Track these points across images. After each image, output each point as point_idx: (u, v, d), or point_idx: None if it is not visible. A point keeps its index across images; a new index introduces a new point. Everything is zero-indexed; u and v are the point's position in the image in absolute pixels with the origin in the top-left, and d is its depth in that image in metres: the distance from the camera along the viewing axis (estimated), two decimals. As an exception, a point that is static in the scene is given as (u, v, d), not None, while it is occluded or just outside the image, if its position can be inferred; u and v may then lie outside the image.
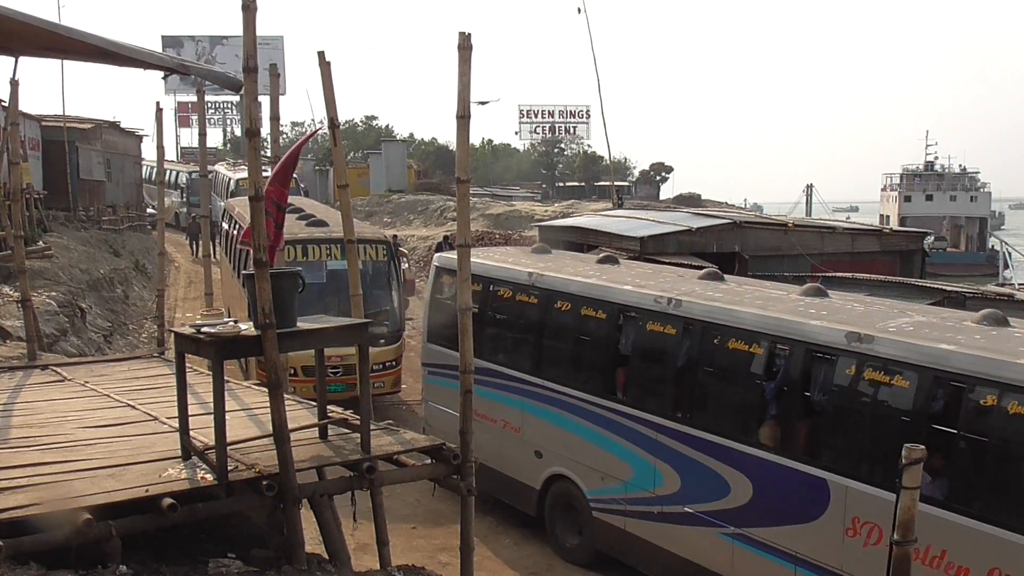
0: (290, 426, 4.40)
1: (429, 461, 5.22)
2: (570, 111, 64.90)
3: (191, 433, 4.67)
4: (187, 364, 4.94)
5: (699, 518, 8.14)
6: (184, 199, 38.89)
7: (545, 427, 9.75)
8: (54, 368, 7.42)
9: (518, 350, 10.27)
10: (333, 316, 12.11)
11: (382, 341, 13.53)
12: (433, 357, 11.31)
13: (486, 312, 10.47)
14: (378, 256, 14.01)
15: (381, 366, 13.35)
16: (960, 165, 70.09)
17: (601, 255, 11.15)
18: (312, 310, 11.56)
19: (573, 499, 9.53)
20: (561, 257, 11.79)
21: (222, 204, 25.79)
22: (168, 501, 4.04)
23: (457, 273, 5.32)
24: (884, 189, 71.69)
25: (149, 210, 35.62)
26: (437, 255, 12.42)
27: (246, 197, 4.59)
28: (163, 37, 60.89)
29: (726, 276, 10.16)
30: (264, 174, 4.80)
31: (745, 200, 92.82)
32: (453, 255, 11.34)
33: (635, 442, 8.73)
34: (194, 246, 30.22)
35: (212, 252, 9.69)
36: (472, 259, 9.67)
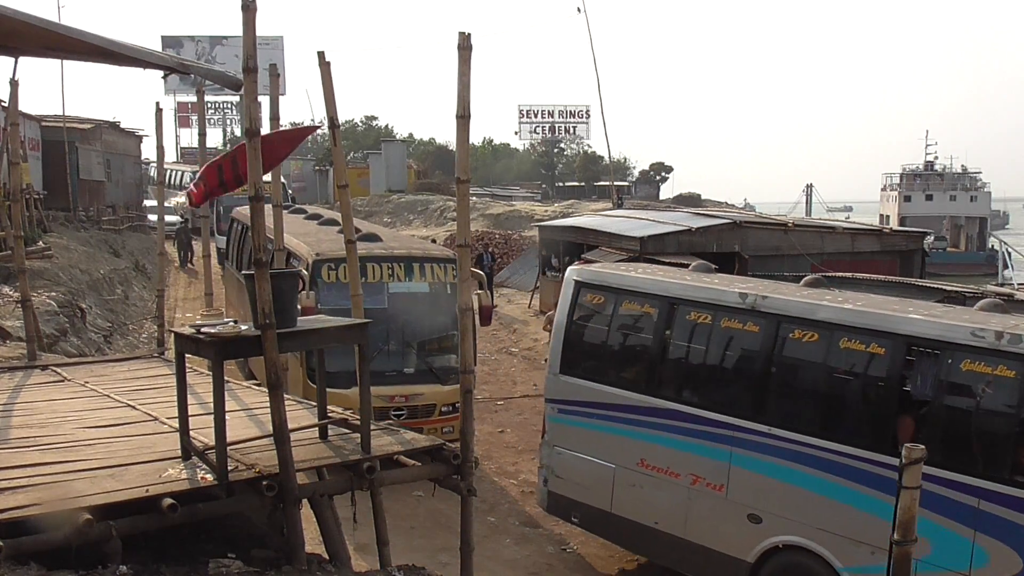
0: (290, 426, 4.40)
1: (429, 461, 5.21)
2: (570, 111, 64.97)
3: (191, 433, 4.67)
4: (187, 364, 4.94)
5: None
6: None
7: (769, 485, 7.73)
8: (54, 368, 7.41)
9: (724, 388, 8.35)
10: (402, 352, 11.28)
11: (452, 378, 11.31)
12: (567, 392, 9.31)
13: (665, 340, 8.65)
14: (446, 277, 11.73)
15: (451, 408, 11.20)
16: (962, 165, 70.16)
17: (807, 278, 9.12)
18: (371, 343, 10.94)
19: None
20: (736, 278, 10.04)
21: (220, 209, 25.78)
22: (168, 501, 4.04)
23: (458, 272, 5.31)
24: (884, 189, 71.72)
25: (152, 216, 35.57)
26: (575, 269, 10.05)
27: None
28: (163, 37, 61.00)
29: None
30: (265, 179, 4.78)
31: (745, 200, 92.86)
32: (601, 268, 10.05)
33: (938, 510, 6.70)
34: (182, 255, 29.14)
35: (209, 263, 9.40)
36: (642, 275, 9.18)
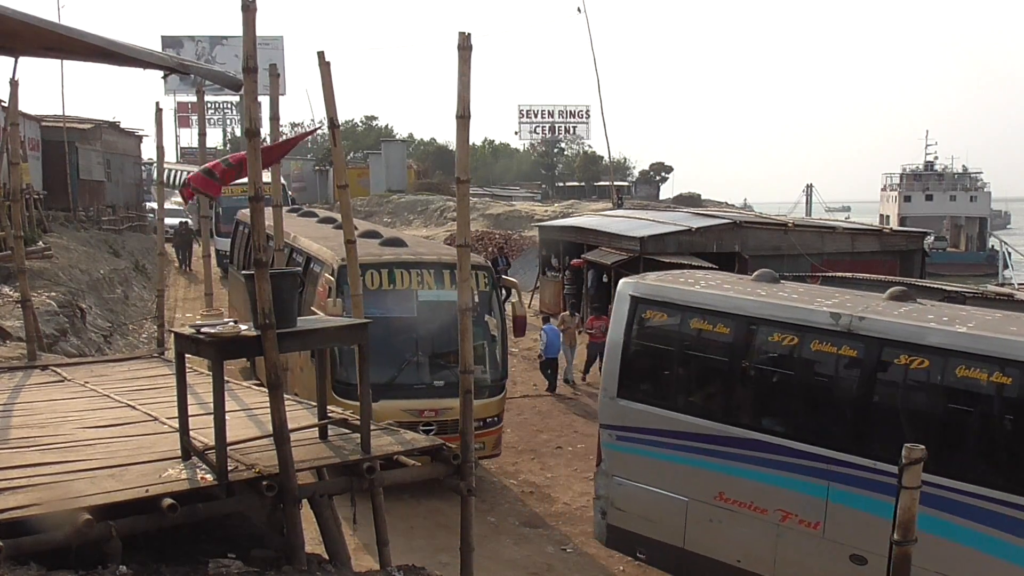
0: (290, 426, 4.40)
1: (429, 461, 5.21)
2: (570, 111, 65.00)
3: (191, 433, 4.67)
4: (187, 364, 4.93)
5: None
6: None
7: (876, 523, 6.81)
8: (54, 368, 7.41)
9: (818, 418, 7.67)
10: (431, 363, 10.75)
11: (484, 392, 10.81)
12: (627, 417, 8.52)
13: (744, 363, 8.04)
14: (478, 285, 11.05)
15: (481, 423, 10.80)
16: (963, 165, 70.24)
17: (892, 290, 8.42)
18: (399, 354, 10.60)
19: None
20: (809, 288, 9.30)
21: (220, 210, 25.72)
22: (168, 501, 4.03)
23: (458, 272, 5.29)
24: (884, 189, 71.79)
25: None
26: (630, 283, 8.99)
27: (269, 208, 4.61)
28: (163, 37, 61.03)
29: None
30: (265, 180, 4.78)
31: (744, 200, 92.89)
32: (661, 282, 8.99)
33: None
34: (181, 257, 29.17)
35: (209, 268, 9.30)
36: (710, 290, 8.31)
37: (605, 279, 21.36)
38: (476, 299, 10.99)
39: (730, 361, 8.06)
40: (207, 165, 5.94)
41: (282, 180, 30.32)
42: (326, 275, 10.98)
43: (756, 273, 9.39)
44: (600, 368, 17.28)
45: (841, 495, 7.21)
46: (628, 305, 8.69)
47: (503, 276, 13.00)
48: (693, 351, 8.54)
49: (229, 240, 23.77)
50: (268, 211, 4.99)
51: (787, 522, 7.54)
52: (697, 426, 8.09)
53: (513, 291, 12.48)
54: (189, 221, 30.31)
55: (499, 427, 11.51)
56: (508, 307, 12.32)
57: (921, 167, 69.64)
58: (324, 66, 6.03)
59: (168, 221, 29.72)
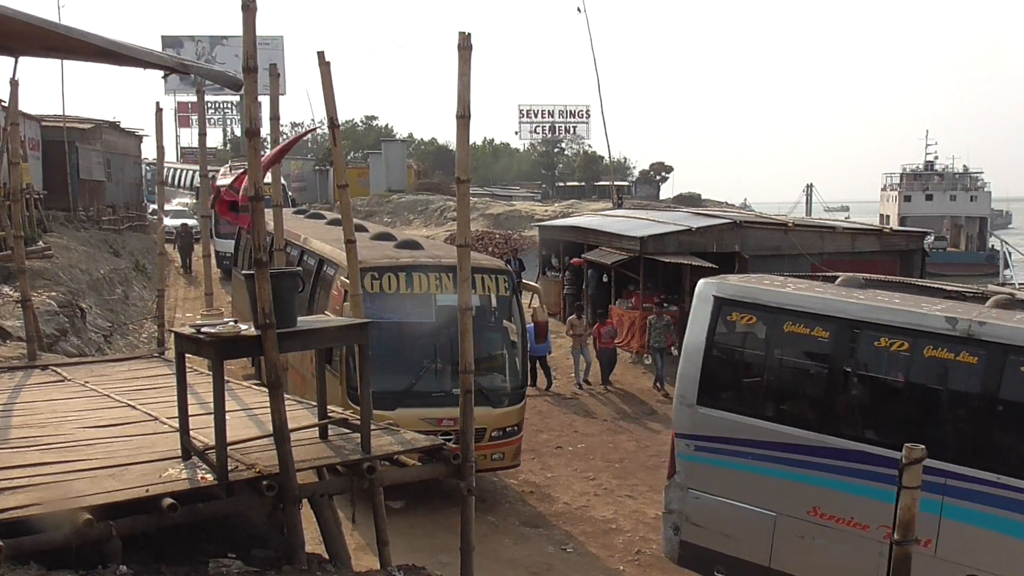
0: (290, 426, 4.40)
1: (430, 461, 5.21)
2: (570, 111, 64.95)
3: (191, 433, 4.67)
4: (187, 364, 4.94)
5: None
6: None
7: (997, 541, 6.67)
8: (54, 368, 7.41)
9: (931, 428, 7.26)
10: (450, 370, 10.07)
11: (503, 400, 10.69)
12: (707, 426, 8.01)
13: (845, 369, 7.63)
14: (498, 290, 10.78)
15: (501, 432, 10.61)
16: (964, 165, 70.23)
17: (997, 297, 7.99)
18: (417, 360, 10.17)
19: None
20: (905, 294, 8.58)
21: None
22: (168, 501, 4.03)
23: (458, 273, 5.29)
24: (884, 189, 71.81)
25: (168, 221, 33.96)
26: (712, 283, 8.47)
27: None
28: (163, 37, 61.05)
29: None
30: (266, 181, 4.79)
31: (744, 200, 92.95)
32: (747, 283, 8.50)
33: None
34: (184, 260, 28.75)
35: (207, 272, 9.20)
36: (805, 292, 7.74)
37: (605, 279, 21.36)
38: (495, 304, 10.83)
39: (829, 367, 7.62)
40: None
41: (282, 180, 29.86)
42: (341, 278, 10.52)
43: (842, 278, 8.86)
44: (602, 371, 17.39)
45: (956, 511, 6.76)
46: (711, 307, 8.08)
47: (528, 282, 12.50)
48: (786, 356, 8.08)
49: (228, 241, 23.73)
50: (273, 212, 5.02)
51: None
52: (789, 436, 7.54)
53: (535, 296, 12.05)
54: (188, 222, 30.19)
55: (519, 437, 11.07)
56: (532, 312, 11.94)
57: (921, 167, 69.66)
58: (324, 66, 6.03)
59: (170, 222, 29.68)
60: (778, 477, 7.62)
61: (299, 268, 11.74)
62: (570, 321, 18.02)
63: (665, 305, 18.38)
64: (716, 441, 7.96)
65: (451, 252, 11.85)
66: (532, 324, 12.53)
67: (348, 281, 10.20)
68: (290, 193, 29.95)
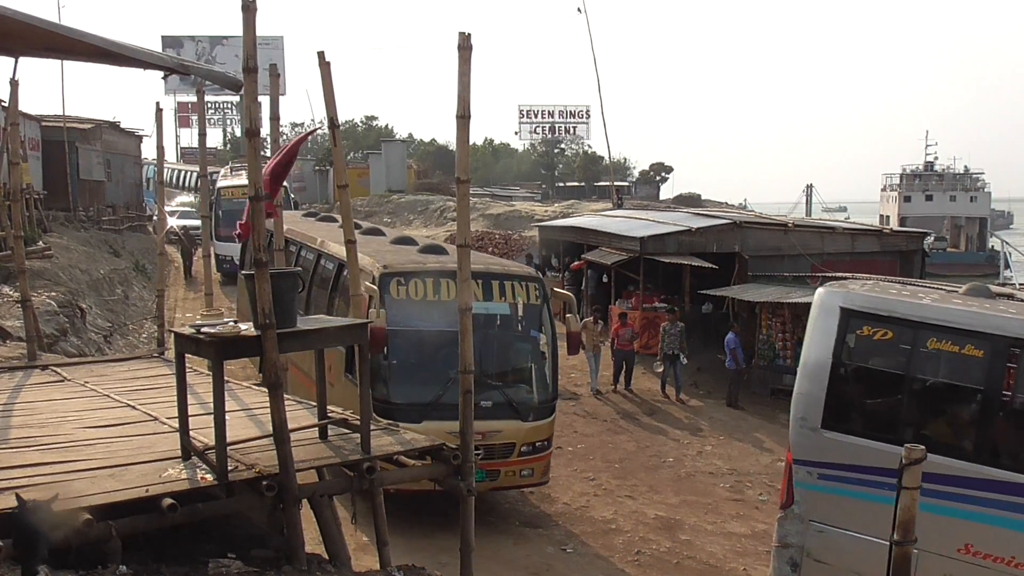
0: (290, 426, 4.40)
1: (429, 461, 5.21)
2: (570, 111, 64.96)
3: (191, 433, 4.67)
4: (187, 364, 4.94)
5: None
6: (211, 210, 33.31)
7: None
8: (54, 368, 7.41)
9: None
10: (478, 381, 10.17)
11: (533, 414, 10.18)
12: (834, 453, 7.18)
13: (1009, 394, 6.98)
14: (529, 298, 10.25)
15: (530, 447, 10.13)
16: (965, 166, 70.28)
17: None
18: (443, 371, 9.37)
19: None
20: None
21: (220, 212, 25.30)
22: (168, 501, 4.04)
23: (458, 272, 5.29)
24: (884, 189, 71.84)
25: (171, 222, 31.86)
26: (837, 292, 7.63)
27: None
28: (163, 37, 61.08)
29: None
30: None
31: (744, 200, 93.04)
32: (877, 293, 7.72)
33: None
34: (187, 264, 27.74)
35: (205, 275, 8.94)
36: (950, 305, 6.87)
37: (605, 279, 21.38)
38: (525, 312, 10.31)
39: (985, 390, 6.89)
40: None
41: (284, 182, 29.44)
42: (366, 283, 9.92)
43: (967, 287, 8.16)
44: (623, 374, 17.01)
45: None
46: (837, 319, 7.24)
47: (558, 290, 11.47)
48: (932, 376, 7.33)
49: (228, 244, 23.42)
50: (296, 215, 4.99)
51: None
52: (935, 465, 6.51)
53: (568, 305, 11.27)
54: (189, 224, 29.51)
55: (548, 452, 10.55)
56: (565, 322, 11.23)
57: (921, 167, 69.69)
58: (324, 66, 6.03)
59: (175, 223, 29.18)
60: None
61: (299, 268, 11.68)
62: (585, 323, 17.92)
63: (675, 309, 18.24)
64: (845, 469, 7.10)
65: (480, 259, 11.37)
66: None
67: (374, 287, 9.55)
68: (292, 195, 29.30)
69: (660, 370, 17.31)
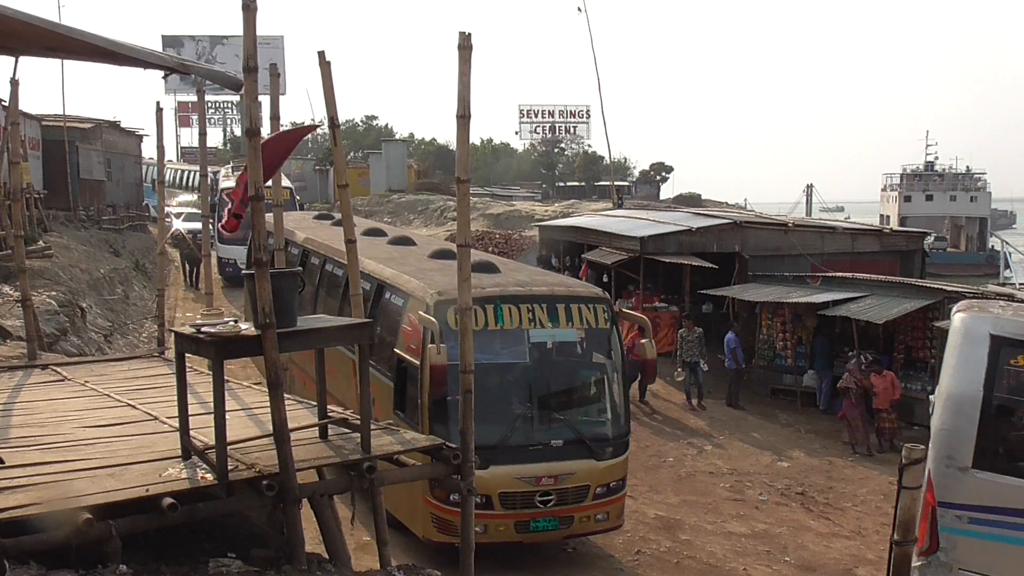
0: (290, 426, 4.40)
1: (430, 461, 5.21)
2: (570, 111, 64.99)
3: (191, 433, 4.67)
4: (187, 364, 4.94)
5: None
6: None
7: None
8: (54, 368, 7.41)
9: None
10: (548, 419, 8.71)
11: (608, 452, 9.10)
12: (989, 495, 6.45)
13: None
14: (597, 321, 9.22)
15: (605, 489, 9.03)
16: (967, 166, 70.28)
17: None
18: (509, 408, 8.62)
19: None
20: None
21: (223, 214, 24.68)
22: (168, 501, 4.03)
23: (458, 272, 5.29)
24: (884, 189, 71.85)
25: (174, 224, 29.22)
26: (983, 318, 6.84)
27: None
28: (163, 37, 61.12)
29: None
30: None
31: (745, 200, 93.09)
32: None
33: None
34: (188, 272, 25.92)
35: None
36: None
37: (605, 279, 21.38)
38: (592, 338, 9.31)
39: None
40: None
41: (289, 184, 28.86)
42: (419, 312, 8.76)
43: None
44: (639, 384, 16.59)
45: None
46: (987, 348, 6.58)
47: (633, 312, 10.04)
48: None
49: (232, 247, 22.94)
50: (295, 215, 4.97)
51: None
52: None
53: (644, 329, 10.08)
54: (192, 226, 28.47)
55: (623, 493, 9.43)
56: (642, 347, 10.07)
57: (921, 167, 69.69)
58: (324, 66, 6.03)
59: (183, 225, 28.46)
60: None
61: (299, 268, 11.49)
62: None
63: (688, 316, 18.06)
64: (1003, 513, 6.40)
65: (538, 279, 10.22)
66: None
67: (427, 317, 8.45)
68: (297, 197, 27.72)
69: (680, 379, 17.13)
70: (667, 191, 66.79)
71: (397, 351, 9.07)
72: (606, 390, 9.47)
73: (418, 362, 8.54)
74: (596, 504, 8.97)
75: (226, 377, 4.69)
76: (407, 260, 10.84)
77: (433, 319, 8.40)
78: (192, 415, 4.73)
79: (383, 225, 18.23)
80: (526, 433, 8.87)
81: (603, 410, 9.41)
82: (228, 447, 4.39)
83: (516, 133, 66.58)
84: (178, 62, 7.26)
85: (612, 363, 9.43)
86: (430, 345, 8.17)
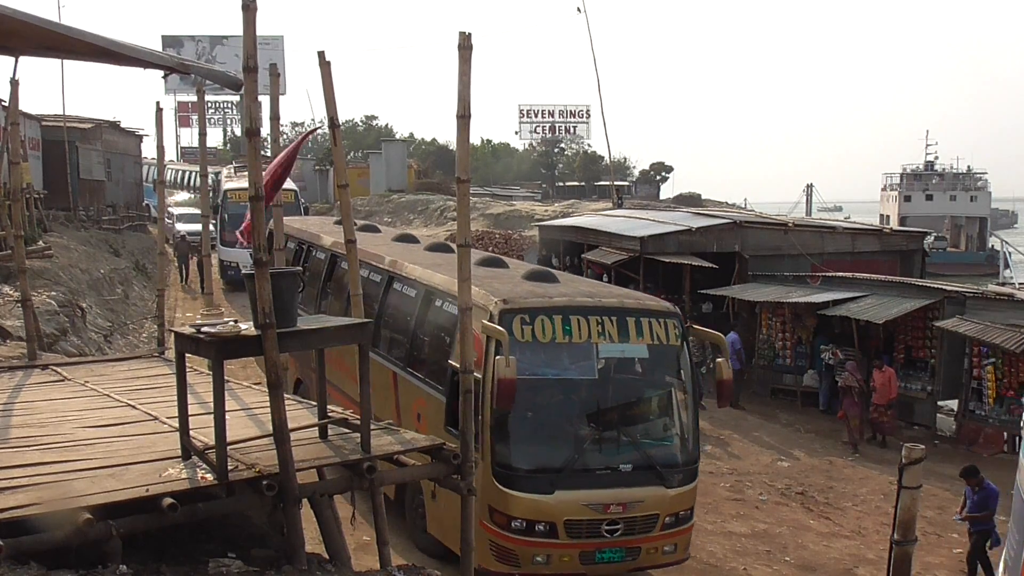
0: (290, 426, 4.40)
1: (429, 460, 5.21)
2: (570, 111, 64.97)
3: (191, 433, 4.67)
4: (187, 364, 4.94)
5: None
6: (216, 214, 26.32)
7: None
8: (54, 368, 7.41)
9: None
10: (617, 441, 8.11)
11: (678, 479, 8.42)
12: None
13: None
14: (668, 338, 8.54)
15: (674, 518, 8.38)
16: (967, 166, 70.27)
17: None
18: (576, 429, 8.02)
19: None
20: None
21: (226, 216, 24.11)
22: (168, 501, 4.03)
23: (458, 272, 5.29)
24: (884, 189, 71.84)
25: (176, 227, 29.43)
26: None
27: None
28: (163, 37, 61.17)
29: None
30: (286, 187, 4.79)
31: (745, 200, 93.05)
32: None
33: None
34: (183, 271, 26.07)
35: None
36: None
37: (605, 279, 21.37)
38: (661, 355, 8.69)
39: None
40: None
41: (294, 186, 28.33)
42: (483, 322, 8.03)
43: None
44: None
45: None
46: None
47: (706, 329, 9.49)
48: None
49: (233, 250, 22.64)
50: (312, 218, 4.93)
51: None
52: None
53: (719, 348, 9.13)
54: (186, 234, 27.50)
55: (691, 524, 8.72)
56: (717, 366, 9.09)
57: (921, 167, 69.68)
58: (324, 66, 6.03)
59: (186, 228, 28.15)
60: None
61: (300, 268, 11.44)
62: None
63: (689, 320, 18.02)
64: None
65: (600, 288, 9.80)
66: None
67: (494, 326, 7.90)
68: (302, 200, 26.58)
69: None
70: (667, 191, 66.80)
71: (452, 363, 8.29)
72: (676, 411, 8.82)
73: (479, 375, 7.70)
74: (664, 535, 8.36)
75: (226, 377, 4.69)
76: (455, 267, 10.46)
77: (502, 329, 7.81)
78: (192, 415, 4.73)
79: (414, 231, 17.76)
80: (594, 456, 8.28)
81: (674, 433, 8.75)
82: (228, 447, 4.39)
83: (516, 133, 66.62)
84: (178, 62, 7.27)
85: (683, 382, 8.76)
86: (498, 357, 7.56)
